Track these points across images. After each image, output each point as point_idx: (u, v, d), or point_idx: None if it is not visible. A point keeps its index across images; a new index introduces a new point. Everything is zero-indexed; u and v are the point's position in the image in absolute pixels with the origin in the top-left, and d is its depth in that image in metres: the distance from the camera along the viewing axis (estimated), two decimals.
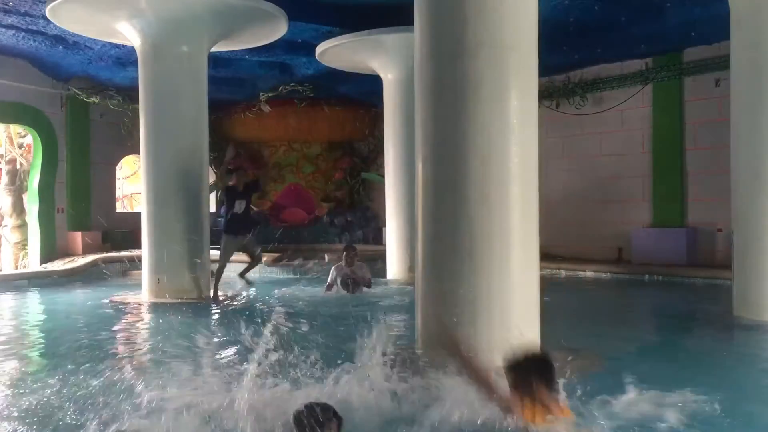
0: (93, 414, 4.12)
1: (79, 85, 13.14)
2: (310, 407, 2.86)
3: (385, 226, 12.47)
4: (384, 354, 4.47)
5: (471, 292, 4.97)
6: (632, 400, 4.17)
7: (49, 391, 4.71)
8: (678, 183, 12.01)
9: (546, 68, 9.39)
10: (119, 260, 12.48)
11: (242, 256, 9.84)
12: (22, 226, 12.99)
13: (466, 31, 5.00)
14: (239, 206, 9.36)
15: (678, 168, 12.02)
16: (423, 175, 5.28)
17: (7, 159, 13.54)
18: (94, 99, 13.35)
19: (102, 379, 5.01)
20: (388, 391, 4.24)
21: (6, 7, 9.33)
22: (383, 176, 12.11)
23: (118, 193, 17.63)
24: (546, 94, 12.81)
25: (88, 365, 5.49)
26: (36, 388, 4.86)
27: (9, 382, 5.10)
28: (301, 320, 5.57)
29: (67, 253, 12.84)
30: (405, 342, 5.78)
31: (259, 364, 4.03)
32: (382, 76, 11.42)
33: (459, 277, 5.02)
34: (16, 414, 4.23)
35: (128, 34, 9.13)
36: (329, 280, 9.38)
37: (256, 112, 15.24)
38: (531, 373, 2.76)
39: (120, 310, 8.54)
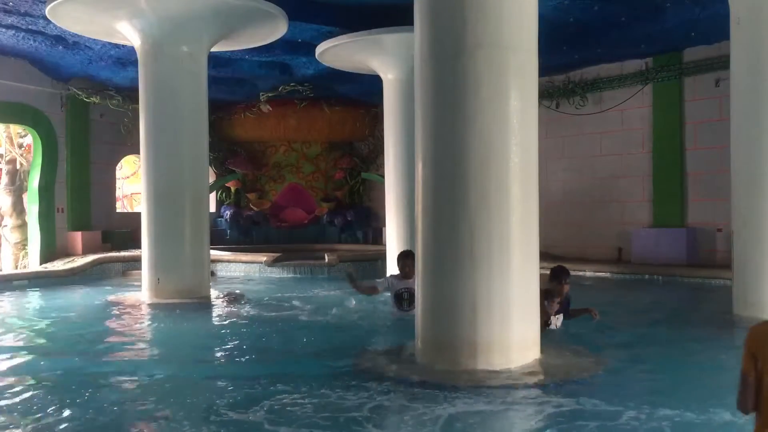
0: (86, 414, 4.13)
1: (79, 85, 13.14)
2: None
3: (385, 226, 12.46)
4: None
5: (471, 292, 4.97)
6: (634, 399, 4.18)
7: (45, 392, 4.71)
8: (678, 183, 12.01)
9: (546, 68, 9.41)
10: (119, 260, 12.50)
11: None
12: (22, 226, 12.99)
13: (465, 31, 4.99)
14: None
15: (678, 168, 12.01)
16: (423, 175, 5.27)
17: (7, 159, 13.54)
18: (94, 99, 13.35)
19: (96, 380, 5.01)
20: None
21: (6, 7, 9.32)
22: (383, 176, 12.11)
23: (118, 193, 17.63)
24: (546, 94, 12.82)
25: (85, 365, 5.50)
26: (33, 389, 4.86)
27: (7, 383, 5.09)
28: None
29: (67, 253, 12.83)
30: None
31: None
32: (382, 76, 11.40)
33: (459, 277, 5.02)
34: (14, 414, 4.23)
35: (128, 34, 9.13)
36: (379, 286, 7.79)
37: (256, 112, 15.24)
38: None
39: (119, 311, 8.53)
